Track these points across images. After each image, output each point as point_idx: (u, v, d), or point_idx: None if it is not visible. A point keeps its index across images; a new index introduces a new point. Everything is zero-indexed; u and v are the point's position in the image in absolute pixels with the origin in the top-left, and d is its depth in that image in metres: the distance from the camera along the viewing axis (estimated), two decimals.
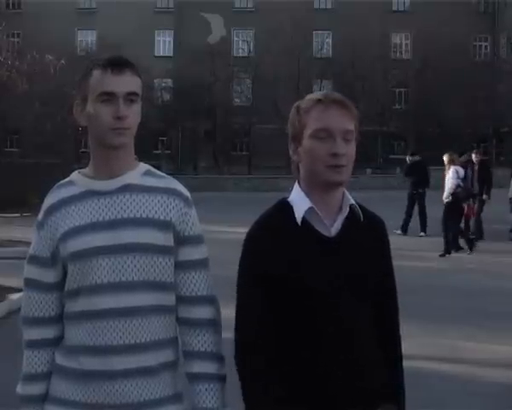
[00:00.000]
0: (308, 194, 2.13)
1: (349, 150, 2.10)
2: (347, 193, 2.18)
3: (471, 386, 5.94)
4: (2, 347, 6.75)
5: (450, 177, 13.84)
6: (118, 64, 2.09)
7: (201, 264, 2.19)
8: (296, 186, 2.19)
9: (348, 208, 2.15)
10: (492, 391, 5.85)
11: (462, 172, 14.07)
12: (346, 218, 2.15)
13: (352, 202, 2.16)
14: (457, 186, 13.80)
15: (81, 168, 2.23)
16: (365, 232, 2.17)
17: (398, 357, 2.27)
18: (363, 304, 2.12)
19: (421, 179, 16.54)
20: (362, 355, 2.10)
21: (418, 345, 6.55)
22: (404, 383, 2.27)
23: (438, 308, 8.89)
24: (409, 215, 16.73)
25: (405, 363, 2.29)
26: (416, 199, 16.59)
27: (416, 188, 16.62)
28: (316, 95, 2.15)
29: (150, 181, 2.17)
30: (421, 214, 16.60)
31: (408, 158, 17.67)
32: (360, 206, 2.20)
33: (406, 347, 2.29)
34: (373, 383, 2.11)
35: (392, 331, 2.26)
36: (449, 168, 13.93)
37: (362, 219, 2.16)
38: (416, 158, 17.22)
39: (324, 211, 2.12)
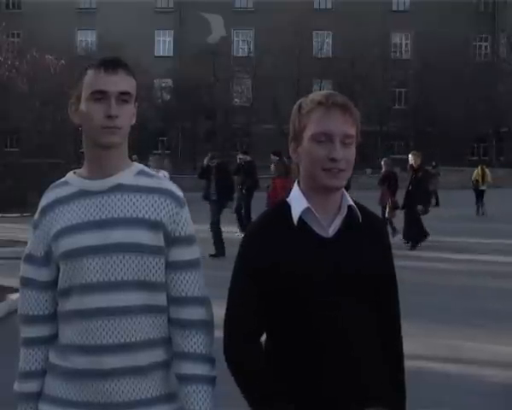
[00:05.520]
0: (306, 194, 2.12)
1: (348, 155, 2.08)
2: (346, 194, 2.17)
3: (471, 386, 5.94)
4: (1, 347, 6.75)
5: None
6: (111, 64, 2.10)
7: (193, 264, 2.18)
8: (295, 186, 2.18)
9: (346, 209, 2.14)
10: (492, 391, 5.85)
11: (167, 175, 14.06)
12: (345, 218, 2.14)
13: (351, 202, 2.15)
14: None
15: (79, 168, 2.24)
16: (364, 233, 2.15)
17: (399, 358, 2.26)
18: (361, 305, 2.11)
19: (248, 179, 15.95)
20: (359, 355, 2.09)
21: (418, 345, 6.55)
22: (405, 384, 2.26)
23: (438, 308, 8.89)
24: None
25: (405, 363, 2.29)
26: (243, 199, 15.94)
27: (242, 188, 15.96)
28: (318, 96, 2.12)
29: (142, 181, 2.17)
30: (239, 213, 16.04)
31: (238, 157, 17.02)
32: (360, 206, 2.19)
33: (406, 346, 2.29)
34: (371, 383, 2.11)
35: (393, 332, 2.25)
36: (158, 172, 13.75)
37: (360, 219, 2.15)
38: (247, 158, 16.56)
39: (322, 212, 2.11)
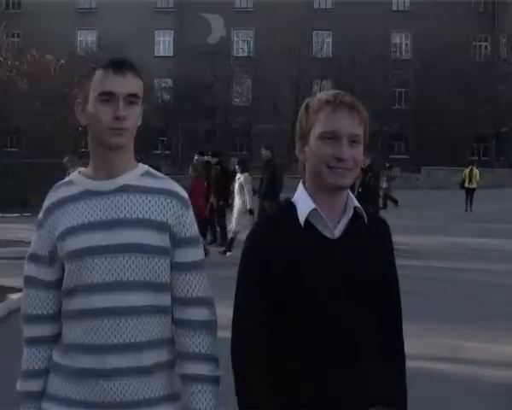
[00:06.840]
0: (312, 194, 2.11)
1: (355, 154, 2.07)
2: (352, 195, 2.16)
3: (471, 386, 5.94)
4: (2, 347, 6.76)
5: None
6: (119, 65, 2.11)
7: (197, 265, 2.19)
8: (300, 186, 2.17)
9: (352, 210, 2.13)
10: (492, 391, 5.85)
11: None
12: (351, 220, 2.13)
13: (357, 204, 2.14)
14: None
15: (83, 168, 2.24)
16: (369, 235, 2.15)
17: (400, 360, 2.25)
18: (364, 306, 2.10)
19: None
20: (363, 355, 2.09)
21: (418, 345, 6.55)
22: (406, 386, 2.26)
23: (438, 308, 8.89)
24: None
25: (406, 363, 2.29)
26: None
27: None
28: (325, 95, 2.12)
29: (148, 182, 2.17)
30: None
31: (195, 158, 16.51)
32: (365, 208, 2.19)
33: (406, 347, 2.29)
34: (375, 383, 2.11)
35: (395, 334, 2.25)
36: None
37: (366, 221, 2.14)
38: (205, 158, 15.96)
39: (328, 212, 2.10)
